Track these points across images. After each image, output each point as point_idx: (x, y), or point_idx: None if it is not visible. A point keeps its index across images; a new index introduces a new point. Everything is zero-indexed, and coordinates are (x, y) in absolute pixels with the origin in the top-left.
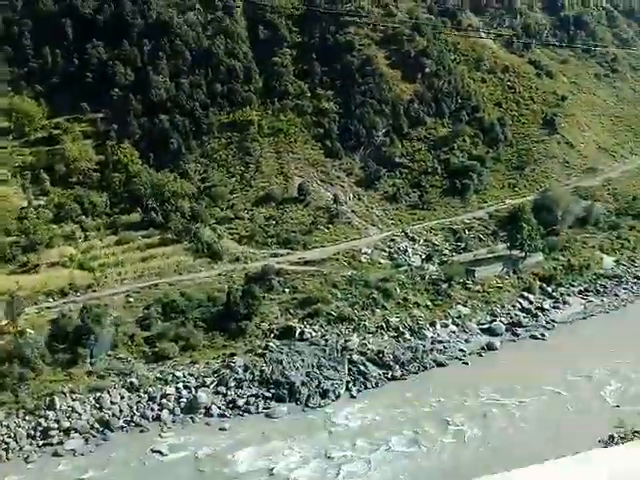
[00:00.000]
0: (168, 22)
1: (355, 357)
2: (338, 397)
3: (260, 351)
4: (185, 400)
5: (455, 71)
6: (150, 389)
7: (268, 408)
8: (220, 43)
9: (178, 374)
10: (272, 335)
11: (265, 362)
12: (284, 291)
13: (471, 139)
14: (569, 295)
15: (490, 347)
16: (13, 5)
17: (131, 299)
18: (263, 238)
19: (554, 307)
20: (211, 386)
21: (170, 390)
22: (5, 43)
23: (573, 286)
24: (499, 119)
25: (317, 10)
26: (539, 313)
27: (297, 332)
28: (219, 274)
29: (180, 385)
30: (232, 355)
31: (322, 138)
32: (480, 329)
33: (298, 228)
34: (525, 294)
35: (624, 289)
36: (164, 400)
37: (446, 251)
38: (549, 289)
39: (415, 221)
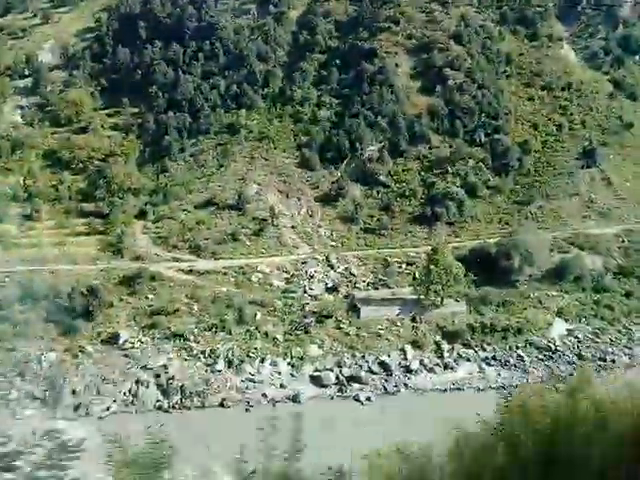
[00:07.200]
0: (215, 25)
1: (144, 377)
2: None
3: (76, 351)
4: None
5: (490, 85)
6: None
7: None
8: (255, 47)
9: None
10: (99, 338)
11: (74, 363)
12: (146, 297)
13: (476, 163)
14: (468, 360)
15: (294, 399)
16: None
17: (7, 279)
18: (176, 241)
19: (430, 370)
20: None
21: None
22: (95, 40)
23: (484, 350)
24: (521, 144)
25: (361, 15)
26: (398, 373)
27: (121, 340)
28: (101, 270)
29: None
30: (52, 350)
31: (304, 147)
32: (311, 376)
33: (215, 236)
34: (408, 348)
35: (545, 367)
36: None
37: (361, 284)
38: (445, 347)
39: (360, 246)
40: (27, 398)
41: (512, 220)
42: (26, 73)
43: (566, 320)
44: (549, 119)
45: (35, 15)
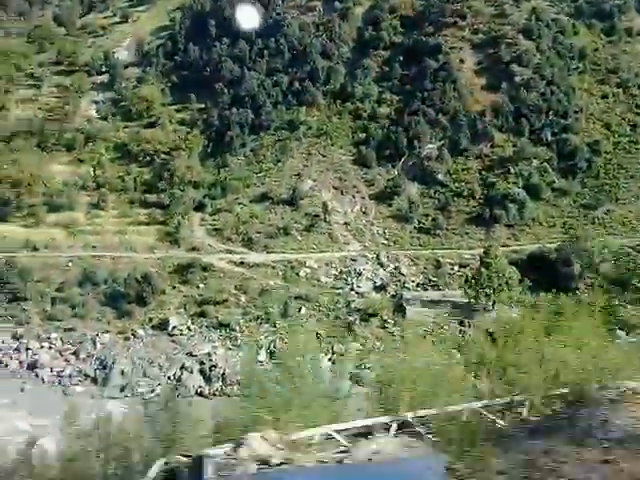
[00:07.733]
0: (281, 22)
1: (189, 363)
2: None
3: (129, 334)
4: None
5: (560, 82)
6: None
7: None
8: (319, 44)
9: (44, 335)
10: (150, 324)
11: (125, 345)
12: (197, 287)
13: (541, 163)
14: None
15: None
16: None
17: (71, 263)
18: (230, 234)
19: None
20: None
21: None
22: (168, 38)
23: None
24: (591, 144)
25: (428, 9)
26: None
27: (171, 326)
28: (158, 258)
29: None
30: (106, 332)
31: (361, 144)
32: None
33: (268, 230)
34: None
35: None
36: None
37: (410, 284)
38: None
39: (414, 246)
40: (79, 376)
41: (577, 224)
42: (103, 70)
43: (627, 333)
44: (623, 118)
45: (115, 14)
